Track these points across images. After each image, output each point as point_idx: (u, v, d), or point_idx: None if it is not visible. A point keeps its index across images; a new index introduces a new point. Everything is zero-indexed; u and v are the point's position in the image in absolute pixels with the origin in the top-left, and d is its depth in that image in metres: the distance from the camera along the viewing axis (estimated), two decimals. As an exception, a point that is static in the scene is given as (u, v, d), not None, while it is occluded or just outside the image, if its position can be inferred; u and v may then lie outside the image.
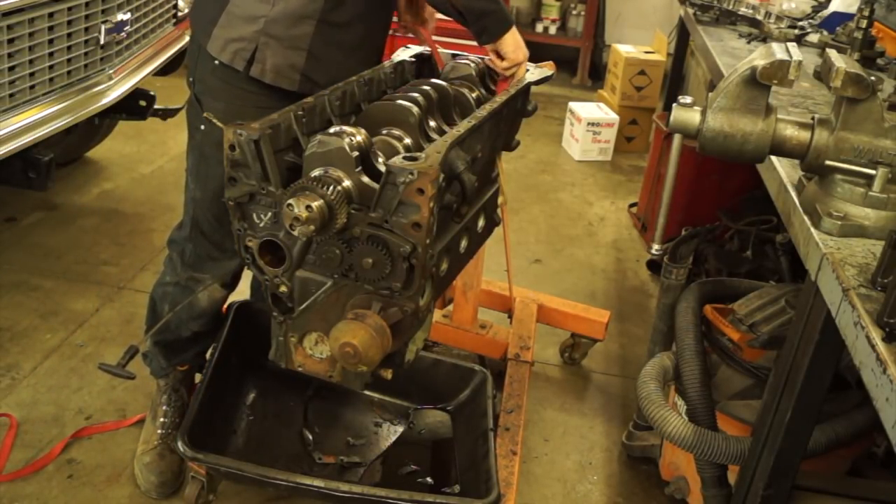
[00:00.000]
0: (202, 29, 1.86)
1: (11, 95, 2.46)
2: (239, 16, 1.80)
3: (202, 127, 1.91)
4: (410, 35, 2.05)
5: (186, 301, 2.06)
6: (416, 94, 1.65)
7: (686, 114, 1.34)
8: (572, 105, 4.93)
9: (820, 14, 3.01)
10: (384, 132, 1.58)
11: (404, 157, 1.37)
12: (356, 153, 1.40)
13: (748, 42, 2.73)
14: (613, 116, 4.85)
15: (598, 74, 6.18)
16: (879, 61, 2.34)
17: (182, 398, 2.26)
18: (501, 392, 2.39)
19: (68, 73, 2.71)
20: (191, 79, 1.93)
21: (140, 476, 2.15)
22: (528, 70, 1.97)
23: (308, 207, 1.32)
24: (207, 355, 2.22)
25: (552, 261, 3.62)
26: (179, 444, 1.86)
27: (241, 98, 1.84)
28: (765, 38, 2.72)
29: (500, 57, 1.85)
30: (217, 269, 2.04)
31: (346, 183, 1.39)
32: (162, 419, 2.22)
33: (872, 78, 1.26)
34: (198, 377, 2.32)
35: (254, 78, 1.81)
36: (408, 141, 1.58)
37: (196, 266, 2.05)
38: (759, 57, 1.28)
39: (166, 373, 2.22)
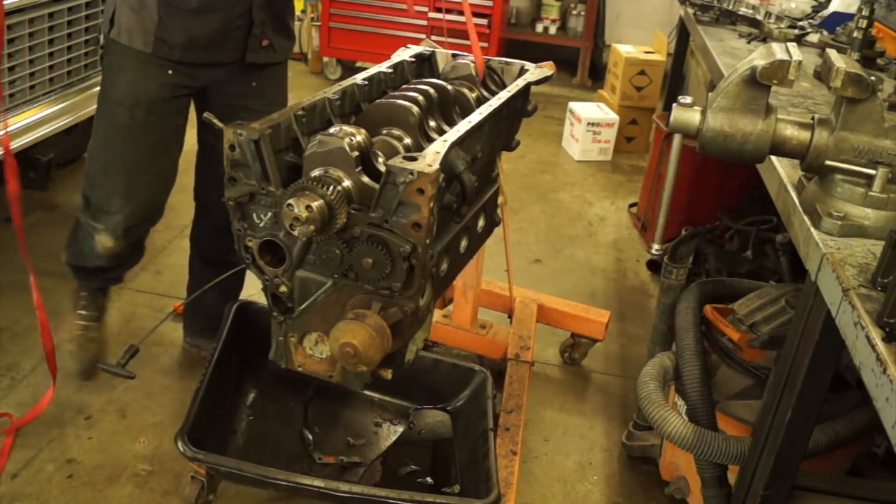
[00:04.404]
0: None
1: (11, 95, 2.47)
2: None
3: (101, 81, 2.12)
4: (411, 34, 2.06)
5: (88, 242, 2.25)
6: (416, 94, 1.65)
7: (686, 114, 1.34)
8: (572, 105, 4.93)
9: (820, 14, 3.01)
10: (384, 132, 1.58)
11: (404, 157, 1.37)
12: (356, 153, 1.40)
13: (748, 42, 2.73)
14: (613, 116, 4.85)
15: (598, 74, 6.18)
16: (879, 61, 2.34)
17: (97, 298, 2.46)
18: (501, 392, 2.39)
19: (68, 73, 2.72)
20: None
21: (66, 364, 2.33)
22: (528, 70, 1.97)
23: (308, 207, 1.32)
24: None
25: (552, 261, 3.62)
26: (179, 444, 1.86)
27: (120, 53, 2.02)
28: (765, 38, 2.72)
29: None
30: (107, 222, 2.16)
31: (346, 183, 1.39)
32: (82, 312, 2.41)
33: (872, 78, 1.25)
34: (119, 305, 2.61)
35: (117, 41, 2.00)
36: (408, 141, 1.58)
37: (93, 215, 2.19)
38: (759, 57, 1.28)
39: (82, 288, 2.43)
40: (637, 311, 3.27)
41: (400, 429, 2.30)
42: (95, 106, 2.14)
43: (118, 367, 2.20)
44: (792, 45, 1.32)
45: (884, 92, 1.93)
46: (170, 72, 2.02)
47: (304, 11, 5.93)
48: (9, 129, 2.46)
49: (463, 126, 1.55)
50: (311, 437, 2.23)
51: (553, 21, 6.31)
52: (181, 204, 2.29)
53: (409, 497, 1.84)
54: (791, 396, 1.37)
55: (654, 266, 3.52)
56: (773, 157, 1.54)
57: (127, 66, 2.01)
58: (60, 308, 2.84)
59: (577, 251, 3.73)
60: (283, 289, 1.53)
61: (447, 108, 1.75)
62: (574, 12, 6.33)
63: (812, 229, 1.30)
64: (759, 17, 2.84)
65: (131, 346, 2.27)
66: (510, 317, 2.76)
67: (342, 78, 4.26)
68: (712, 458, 1.78)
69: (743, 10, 2.93)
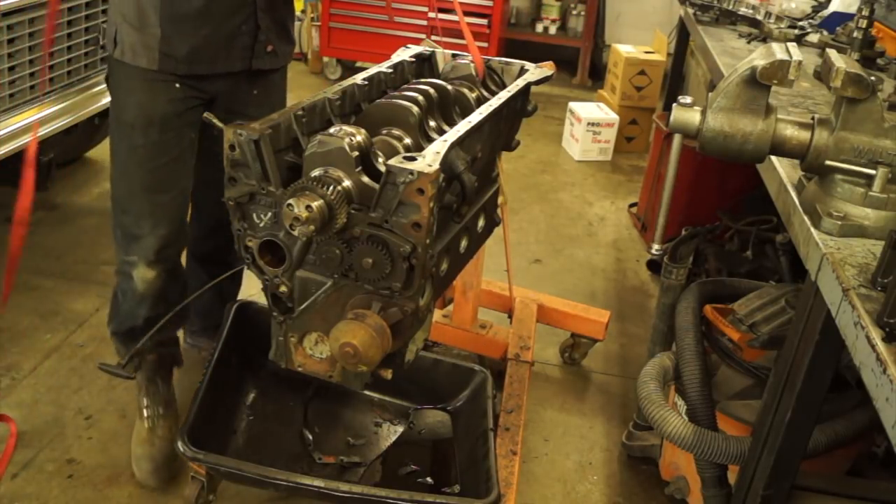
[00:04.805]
0: None
1: (11, 95, 2.47)
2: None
3: (111, 104, 2.04)
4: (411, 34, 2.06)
5: (129, 289, 2.12)
6: (416, 94, 1.65)
7: (686, 114, 1.34)
8: (572, 105, 4.93)
9: (820, 14, 3.01)
10: (384, 132, 1.58)
11: (404, 157, 1.37)
12: (356, 153, 1.40)
13: (748, 42, 2.73)
14: (613, 116, 4.85)
15: (598, 74, 6.18)
16: (879, 61, 2.34)
17: (159, 389, 2.28)
18: (501, 392, 2.39)
19: (68, 73, 2.71)
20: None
21: (136, 468, 2.18)
22: (528, 70, 1.97)
23: (308, 207, 1.32)
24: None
25: (552, 261, 3.62)
26: (179, 444, 1.86)
27: (125, 73, 1.97)
28: (765, 38, 2.72)
29: None
30: (139, 248, 2.07)
31: (346, 183, 1.39)
32: (146, 413, 2.25)
33: (872, 78, 1.26)
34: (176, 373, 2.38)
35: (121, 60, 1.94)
36: (408, 141, 1.58)
37: (125, 248, 2.10)
38: (759, 57, 1.28)
39: (135, 366, 2.25)
40: (637, 311, 3.27)
41: (400, 429, 2.30)
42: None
43: (118, 367, 2.19)
44: (792, 45, 1.32)
45: (884, 92, 1.93)
46: (177, 85, 1.98)
47: (304, 11, 5.93)
48: (8, 129, 2.47)
49: (463, 126, 1.55)
50: (311, 437, 2.23)
51: (553, 21, 6.31)
52: (181, 204, 2.28)
53: (409, 497, 1.84)
54: (791, 396, 1.37)
55: (654, 266, 3.52)
56: (773, 157, 1.54)
57: (135, 87, 1.96)
58: (60, 308, 2.86)
59: (577, 251, 3.73)
60: (283, 289, 1.53)
61: (447, 108, 1.75)
62: (574, 12, 6.33)
63: (812, 229, 1.30)
64: (759, 17, 2.84)
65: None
66: (510, 317, 2.76)
67: (342, 78, 4.26)
68: (712, 458, 1.78)
69: (743, 10, 2.93)
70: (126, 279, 2.13)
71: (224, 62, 2.01)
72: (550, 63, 2.01)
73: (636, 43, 5.29)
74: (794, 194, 1.44)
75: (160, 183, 2.04)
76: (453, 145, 1.45)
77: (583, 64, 6.29)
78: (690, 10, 3.10)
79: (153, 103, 1.96)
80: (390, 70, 1.87)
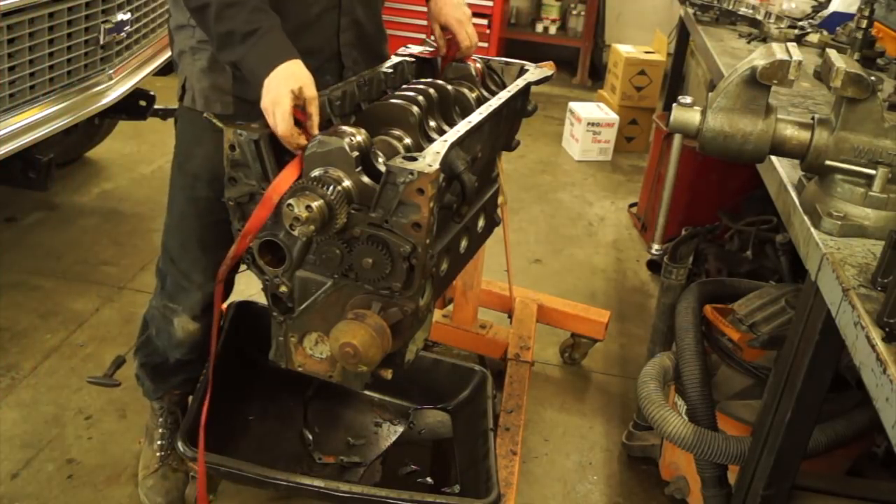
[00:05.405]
0: None
1: (11, 95, 2.46)
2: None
3: (174, 150, 1.91)
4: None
5: (165, 330, 2.02)
6: (416, 94, 1.65)
7: (686, 114, 1.34)
8: (572, 105, 4.93)
9: (820, 14, 3.01)
10: (384, 132, 1.58)
11: (404, 157, 1.37)
12: (356, 153, 1.40)
13: (748, 42, 2.73)
14: (613, 116, 4.85)
15: (598, 74, 6.18)
16: (879, 61, 2.34)
17: (177, 420, 2.19)
18: (501, 392, 2.39)
19: (68, 73, 2.71)
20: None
21: (146, 499, 2.11)
22: (528, 70, 1.97)
23: (308, 207, 1.32)
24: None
25: (552, 261, 3.62)
26: (179, 444, 1.86)
27: (193, 122, 1.81)
28: (765, 38, 2.72)
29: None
30: (186, 300, 1.97)
31: (346, 183, 1.39)
32: (159, 441, 2.17)
33: (872, 78, 1.26)
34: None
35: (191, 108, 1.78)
36: (408, 141, 1.58)
37: (171, 295, 2.00)
38: (759, 57, 1.29)
39: (158, 395, 2.17)
40: (637, 311, 3.27)
41: (400, 429, 2.30)
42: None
43: (105, 378, 2.18)
44: (792, 45, 1.32)
45: (884, 92, 1.94)
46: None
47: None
48: (9, 129, 2.46)
49: (463, 126, 1.55)
50: (311, 437, 2.23)
51: (553, 21, 6.31)
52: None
53: (409, 497, 1.84)
54: (791, 396, 1.37)
55: (654, 266, 3.52)
56: (773, 157, 1.54)
57: (204, 137, 1.79)
58: (60, 308, 2.86)
59: (577, 251, 3.73)
60: (283, 289, 1.53)
61: (447, 108, 1.75)
62: (574, 12, 6.33)
63: (812, 229, 1.30)
64: (759, 17, 2.85)
65: (118, 357, 2.26)
66: (510, 317, 2.76)
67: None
68: (712, 458, 1.78)
69: (743, 10, 2.93)
70: (165, 322, 2.02)
71: None
72: (550, 63, 2.01)
73: (636, 43, 5.29)
74: (794, 194, 1.44)
75: (216, 240, 1.86)
76: (453, 145, 1.45)
77: (583, 64, 6.29)
78: (690, 10, 3.10)
79: (222, 156, 1.72)
80: (390, 70, 1.87)
